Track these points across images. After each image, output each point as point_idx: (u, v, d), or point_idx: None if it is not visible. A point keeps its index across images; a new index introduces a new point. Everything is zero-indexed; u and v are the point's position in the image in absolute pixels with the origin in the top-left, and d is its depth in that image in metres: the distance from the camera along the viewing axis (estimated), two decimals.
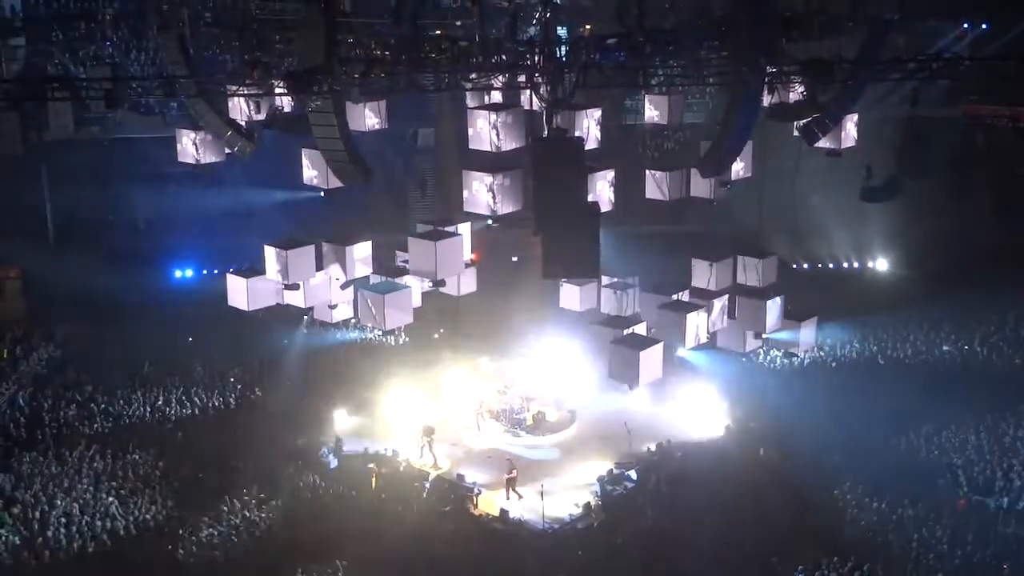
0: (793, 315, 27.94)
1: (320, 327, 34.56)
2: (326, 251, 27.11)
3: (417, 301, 27.88)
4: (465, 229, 27.54)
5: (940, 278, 39.66)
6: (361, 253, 27.27)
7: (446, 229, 26.64)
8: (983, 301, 36.74)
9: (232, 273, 27.02)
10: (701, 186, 26.63)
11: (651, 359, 24.84)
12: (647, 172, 26.72)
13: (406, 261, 27.23)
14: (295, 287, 26.66)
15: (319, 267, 26.84)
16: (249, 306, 26.75)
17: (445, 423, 33.13)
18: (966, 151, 40.58)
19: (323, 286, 27.25)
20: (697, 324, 26.03)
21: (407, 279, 27.29)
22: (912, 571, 23.57)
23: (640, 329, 26.97)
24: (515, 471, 29.24)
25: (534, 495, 28.30)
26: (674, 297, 27.36)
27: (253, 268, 26.79)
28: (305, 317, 31.54)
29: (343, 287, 27.62)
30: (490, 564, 24.85)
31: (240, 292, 26.69)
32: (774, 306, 26.83)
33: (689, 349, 27.66)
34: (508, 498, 28.74)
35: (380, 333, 27.35)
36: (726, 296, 27.53)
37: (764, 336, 27.55)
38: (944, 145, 37.40)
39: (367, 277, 27.70)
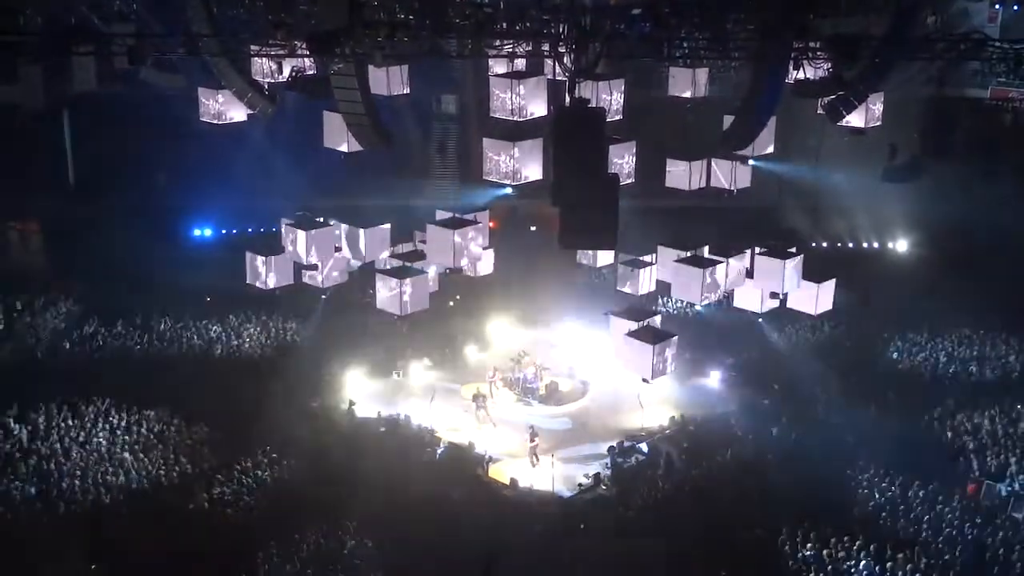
0: (812, 277, 27.70)
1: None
2: (344, 231, 27.27)
3: (434, 286, 27.99)
4: (484, 217, 27.55)
5: (961, 261, 39.40)
6: (379, 235, 27.37)
7: (464, 217, 26.64)
8: (1004, 285, 36.52)
9: (251, 251, 27.20)
10: (722, 176, 26.62)
11: (666, 352, 24.74)
12: (667, 160, 26.73)
13: (423, 242, 27.33)
14: (314, 267, 26.85)
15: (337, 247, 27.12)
16: (268, 284, 27.01)
17: (459, 391, 33.34)
18: (993, 133, 40.18)
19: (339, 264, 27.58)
20: (713, 280, 25.79)
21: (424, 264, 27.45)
22: (921, 553, 23.56)
23: (656, 322, 26.82)
24: (537, 438, 29.40)
25: (545, 464, 28.45)
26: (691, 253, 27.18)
27: (271, 244, 26.94)
28: (323, 297, 31.81)
29: (359, 269, 27.82)
30: (499, 531, 24.96)
31: (259, 270, 26.93)
32: (792, 266, 26.61)
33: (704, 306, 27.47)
34: (533, 465, 28.91)
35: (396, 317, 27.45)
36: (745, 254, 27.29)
37: (781, 296, 27.28)
38: (970, 127, 37.04)
39: (384, 260, 27.86)
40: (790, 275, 25.97)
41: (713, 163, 26.91)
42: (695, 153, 26.78)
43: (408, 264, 27.27)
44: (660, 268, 27.34)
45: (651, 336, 24.56)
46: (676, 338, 24.94)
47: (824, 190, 42.57)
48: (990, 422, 29.64)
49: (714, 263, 25.60)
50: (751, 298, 26.93)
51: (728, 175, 26.66)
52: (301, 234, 26.37)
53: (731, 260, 25.81)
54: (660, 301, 37.91)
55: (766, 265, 26.11)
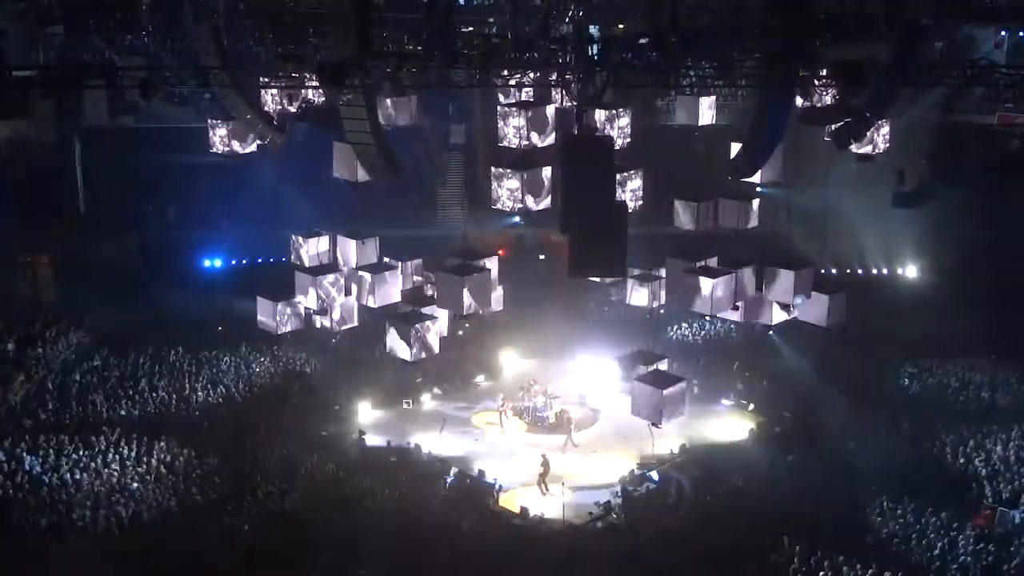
0: (822, 289, 27.66)
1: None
2: (351, 275, 27.46)
3: (444, 331, 28.16)
4: (492, 264, 27.75)
5: (971, 286, 39.35)
6: (390, 279, 27.60)
7: (474, 263, 26.77)
8: (1015, 310, 36.45)
9: (262, 295, 27.41)
10: (729, 217, 26.84)
11: (675, 397, 24.73)
12: (676, 202, 26.94)
13: (432, 283, 27.51)
14: (324, 312, 27.02)
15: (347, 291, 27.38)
16: (278, 329, 27.19)
17: (468, 418, 33.32)
18: (1001, 159, 40.21)
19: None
20: (722, 291, 25.71)
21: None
22: None
23: (665, 365, 26.88)
24: (547, 465, 29.36)
25: (556, 493, 28.36)
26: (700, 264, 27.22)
27: (281, 288, 27.28)
28: (333, 340, 32.07)
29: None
30: (509, 560, 24.83)
31: (269, 314, 27.12)
32: (803, 277, 26.52)
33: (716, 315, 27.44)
34: (543, 493, 28.88)
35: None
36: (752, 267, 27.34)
37: (792, 308, 27.18)
38: (978, 152, 37.08)
39: (395, 304, 28.01)
40: (801, 287, 26.03)
41: (721, 203, 27.13)
42: (703, 183, 26.91)
43: (418, 309, 27.50)
44: (668, 280, 27.43)
45: (661, 381, 24.52)
46: (684, 383, 24.91)
47: (832, 216, 42.62)
48: (1003, 448, 29.47)
49: (723, 273, 25.63)
50: (763, 311, 26.94)
51: (736, 217, 26.92)
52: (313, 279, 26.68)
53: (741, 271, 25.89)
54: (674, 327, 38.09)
55: (776, 276, 26.14)
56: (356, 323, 28.43)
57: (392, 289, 27.73)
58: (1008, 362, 36.07)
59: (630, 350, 27.98)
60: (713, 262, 26.82)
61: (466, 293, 25.23)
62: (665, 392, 24.10)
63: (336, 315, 27.72)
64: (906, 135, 27.50)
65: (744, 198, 27.35)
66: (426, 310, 27.43)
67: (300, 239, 28.56)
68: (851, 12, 24.53)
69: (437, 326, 27.19)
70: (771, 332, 31.79)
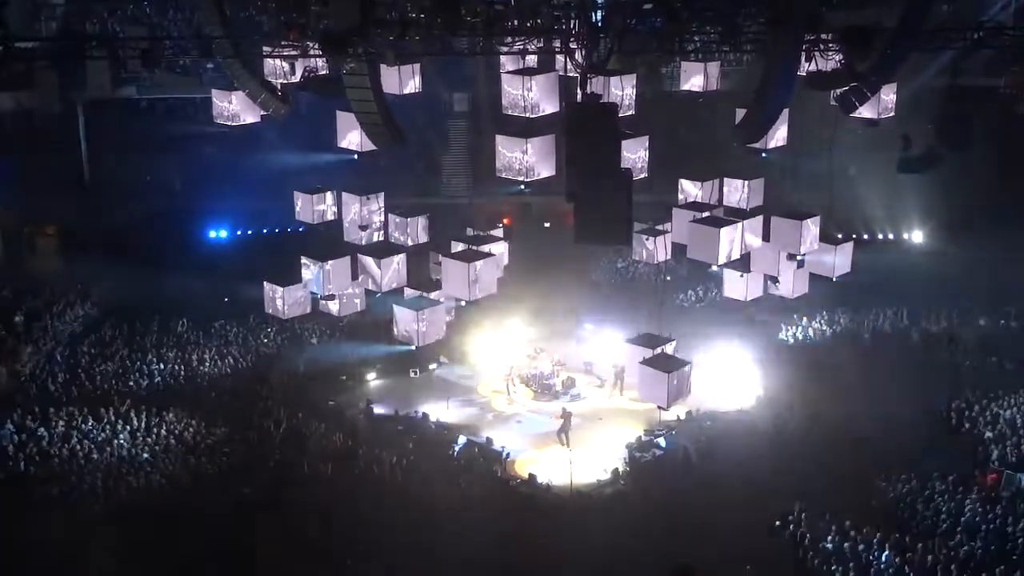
0: (830, 239, 27.58)
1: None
2: (361, 262, 27.41)
3: (450, 315, 28.16)
4: (499, 247, 27.68)
5: (977, 251, 39.24)
6: (394, 264, 27.58)
7: (480, 249, 26.71)
8: (1019, 276, 36.37)
9: (269, 281, 27.44)
10: (735, 195, 26.86)
11: (681, 379, 24.74)
12: (680, 181, 26.87)
13: (438, 263, 27.49)
14: (331, 297, 27.02)
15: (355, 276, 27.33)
16: (286, 314, 27.19)
17: (475, 387, 33.38)
18: (1008, 123, 40.01)
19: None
20: (730, 240, 25.65)
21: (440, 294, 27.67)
22: (941, 543, 23.48)
23: (671, 349, 26.83)
24: (567, 418, 29.64)
25: (563, 459, 28.50)
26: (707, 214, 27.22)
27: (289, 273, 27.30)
28: (341, 323, 32.08)
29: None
30: (517, 527, 24.95)
31: (277, 300, 27.11)
32: (810, 227, 26.46)
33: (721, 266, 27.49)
34: (563, 445, 29.20)
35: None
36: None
37: (798, 257, 27.10)
38: (985, 116, 36.88)
39: (401, 289, 28.00)
40: (807, 235, 25.96)
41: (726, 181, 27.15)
42: (708, 150, 26.82)
43: (424, 295, 27.51)
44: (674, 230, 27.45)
45: (665, 364, 24.54)
46: (690, 366, 24.93)
47: (838, 181, 42.43)
48: (1010, 411, 29.52)
49: (731, 223, 25.56)
50: (768, 263, 26.91)
51: (741, 197, 26.90)
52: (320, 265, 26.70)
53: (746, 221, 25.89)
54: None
55: (783, 225, 26.06)
56: (363, 308, 28.45)
57: (399, 273, 27.71)
58: (1012, 326, 36.07)
59: (637, 333, 28.03)
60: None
61: (472, 278, 25.32)
62: (671, 376, 24.13)
63: (343, 299, 27.75)
64: (912, 99, 27.26)
65: (749, 176, 27.30)
66: (433, 295, 27.56)
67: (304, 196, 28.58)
68: None
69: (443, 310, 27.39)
70: (777, 283, 31.69)
